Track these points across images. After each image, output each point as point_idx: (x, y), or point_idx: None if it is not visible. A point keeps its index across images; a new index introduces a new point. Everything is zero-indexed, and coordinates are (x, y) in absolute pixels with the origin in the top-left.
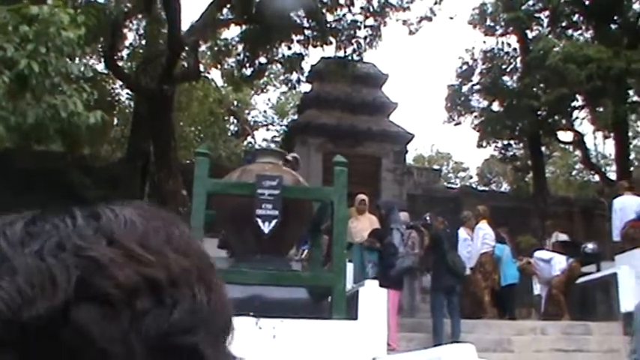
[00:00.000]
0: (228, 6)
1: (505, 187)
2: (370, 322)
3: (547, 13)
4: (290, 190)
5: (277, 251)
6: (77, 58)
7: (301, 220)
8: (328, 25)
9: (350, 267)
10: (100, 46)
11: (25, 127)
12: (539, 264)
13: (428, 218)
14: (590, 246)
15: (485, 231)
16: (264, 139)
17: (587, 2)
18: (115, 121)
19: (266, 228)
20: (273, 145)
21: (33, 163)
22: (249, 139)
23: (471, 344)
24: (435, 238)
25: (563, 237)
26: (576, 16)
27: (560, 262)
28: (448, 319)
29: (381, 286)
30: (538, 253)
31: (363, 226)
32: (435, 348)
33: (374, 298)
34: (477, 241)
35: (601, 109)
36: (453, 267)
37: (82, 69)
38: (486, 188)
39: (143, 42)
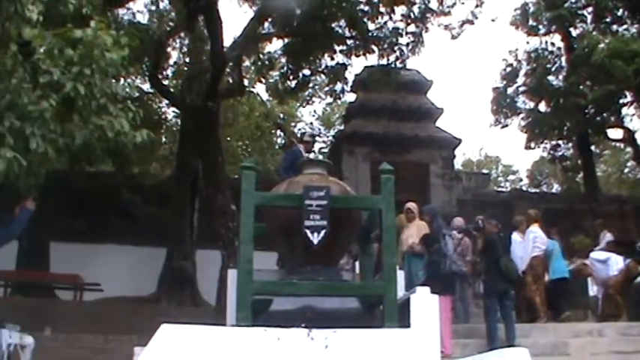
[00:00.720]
0: (270, 20)
1: (556, 188)
2: (423, 330)
3: (590, 9)
4: (337, 199)
5: (327, 261)
6: (122, 79)
7: (350, 230)
8: (370, 34)
9: (400, 275)
10: (144, 65)
11: (74, 148)
12: (595, 265)
13: (480, 222)
14: None
15: (536, 234)
16: (312, 151)
17: None
18: (163, 139)
19: (315, 239)
20: (320, 157)
21: (85, 184)
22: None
23: (525, 348)
24: (488, 242)
25: (610, 237)
26: (621, 11)
27: (617, 262)
28: (502, 323)
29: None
30: (594, 254)
31: (411, 233)
32: (487, 353)
33: (426, 305)
34: (528, 244)
35: None
36: (505, 271)
37: (127, 89)
38: (537, 190)
39: (187, 60)
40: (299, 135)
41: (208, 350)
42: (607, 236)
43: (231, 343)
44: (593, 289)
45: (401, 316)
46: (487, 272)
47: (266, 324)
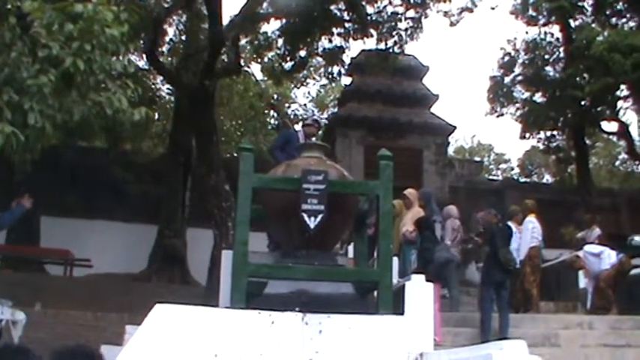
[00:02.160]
0: (268, 0)
1: (547, 178)
2: (417, 317)
3: (591, 1)
4: (335, 184)
5: (323, 246)
6: (121, 56)
7: (347, 215)
8: (369, 18)
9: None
10: (141, 42)
11: (71, 124)
12: (588, 258)
13: (479, 218)
14: (637, 238)
15: (534, 224)
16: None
17: None
18: (156, 116)
19: (312, 223)
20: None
21: (77, 160)
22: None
23: (521, 340)
24: (488, 233)
25: (598, 232)
26: (620, 4)
27: (610, 257)
28: (496, 313)
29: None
30: (588, 247)
31: (406, 220)
32: (485, 344)
33: (420, 292)
34: (526, 234)
35: None
36: (504, 262)
37: (126, 66)
38: (529, 180)
39: (183, 37)
40: (299, 119)
41: (202, 331)
42: (595, 232)
43: (225, 324)
44: (582, 282)
45: (395, 303)
46: (486, 262)
47: (260, 307)
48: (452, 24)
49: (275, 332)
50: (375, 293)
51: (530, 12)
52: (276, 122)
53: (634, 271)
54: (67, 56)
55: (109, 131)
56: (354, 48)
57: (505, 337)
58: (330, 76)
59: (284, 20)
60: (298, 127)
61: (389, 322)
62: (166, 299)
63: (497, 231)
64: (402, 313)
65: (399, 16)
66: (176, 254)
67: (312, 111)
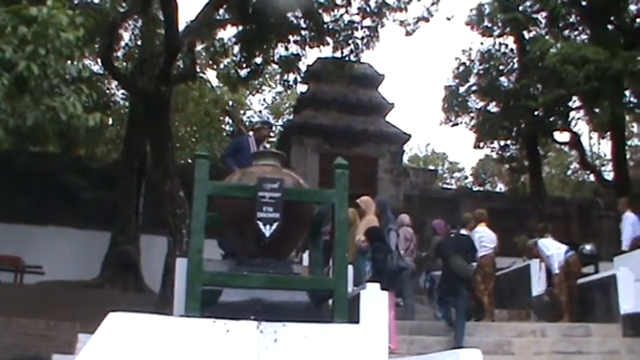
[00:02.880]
0: (225, 6)
1: (500, 187)
2: (372, 326)
3: (544, 14)
4: (291, 192)
5: (278, 254)
6: (75, 60)
7: (302, 223)
8: (325, 26)
9: (350, 270)
10: (96, 46)
11: (24, 129)
12: (542, 250)
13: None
14: (587, 247)
15: (481, 234)
16: (268, 138)
17: (584, 3)
18: (111, 121)
19: (267, 231)
20: (268, 146)
21: (29, 164)
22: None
23: (476, 348)
24: (437, 242)
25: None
26: (573, 17)
27: (560, 257)
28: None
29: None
30: (543, 240)
31: (360, 229)
32: (439, 353)
33: (375, 301)
34: (475, 244)
35: (597, 110)
36: (455, 270)
37: (81, 70)
38: (482, 189)
39: (139, 42)
40: (251, 125)
41: (156, 340)
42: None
43: (180, 333)
44: (535, 290)
45: (350, 312)
46: (442, 272)
47: (215, 315)
48: (408, 33)
49: (230, 341)
50: (331, 302)
51: (486, 23)
52: (231, 129)
53: (584, 279)
54: (20, 60)
55: (63, 136)
56: (310, 56)
57: (460, 345)
58: (285, 84)
59: (240, 27)
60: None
61: (344, 330)
62: (120, 307)
63: (447, 240)
64: (357, 322)
65: (356, 24)
66: (129, 261)
67: (268, 118)
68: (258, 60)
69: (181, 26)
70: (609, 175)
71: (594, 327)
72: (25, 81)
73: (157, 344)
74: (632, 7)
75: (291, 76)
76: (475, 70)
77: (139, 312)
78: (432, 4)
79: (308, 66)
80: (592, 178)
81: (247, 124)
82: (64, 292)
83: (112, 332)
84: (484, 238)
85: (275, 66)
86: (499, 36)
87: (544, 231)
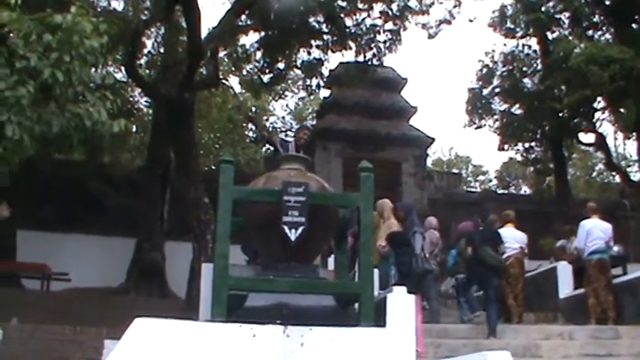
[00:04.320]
0: (247, 12)
1: (525, 190)
2: (398, 329)
3: (568, 14)
4: (316, 196)
5: (304, 258)
6: (99, 67)
7: (327, 227)
8: (347, 30)
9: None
10: (119, 54)
11: (50, 136)
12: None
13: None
14: (615, 248)
15: (504, 234)
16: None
17: (608, 3)
18: (135, 128)
19: (292, 235)
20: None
21: (55, 172)
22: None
23: (505, 351)
24: (469, 235)
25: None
26: (597, 16)
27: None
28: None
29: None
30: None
31: (381, 234)
32: (469, 355)
33: (401, 304)
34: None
35: (623, 110)
36: (486, 258)
37: (105, 77)
38: (506, 191)
39: (162, 50)
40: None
41: (183, 345)
42: (574, 242)
43: (206, 338)
44: (562, 293)
45: (377, 315)
46: (467, 262)
47: (241, 320)
48: (430, 36)
49: (256, 345)
50: (357, 305)
51: (508, 24)
52: (255, 135)
53: (613, 281)
54: (45, 67)
55: (88, 143)
56: (333, 60)
57: (493, 331)
58: (308, 89)
59: (262, 33)
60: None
61: (371, 334)
62: (145, 313)
63: (475, 233)
64: (383, 325)
65: (378, 28)
66: (155, 268)
67: (291, 123)
68: (281, 65)
69: (204, 33)
70: (635, 176)
71: (623, 329)
72: (49, 88)
73: (183, 349)
74: None
75: (314, 81)
76: (498, 72)
77: (164, 318)
78: (454, 6)
79: (330, 71)
80: (618, 179)
81: (270, 130)
82: (90, 299)
83: (139, 337)
84: (507, 238)
85: (297, 71)
86: (522, 37)
87: (570, 233)
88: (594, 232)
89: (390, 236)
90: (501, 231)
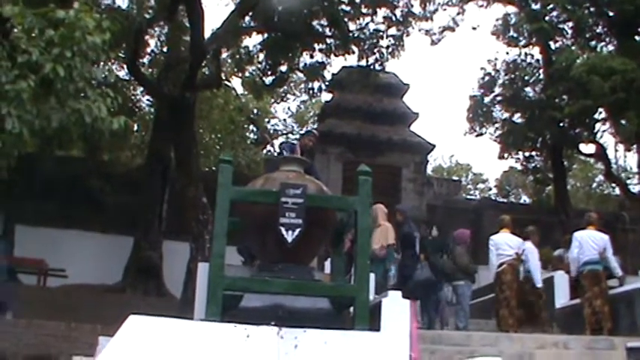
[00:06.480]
0: (250, 14)
1: (524, 199)
2: (393, 334)
3: (571, 24)
4: (314, 198)
5: (300, 260)
6: (101, 64)
7: (324, 229)
8: (351, 34)
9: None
10: (122, 52)
11: (49, 131)
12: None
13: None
14: (613, 260)
15: (496, 240)
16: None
17: (611, 14)
18: (135, 127)
19: (289, 237)
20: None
21: (54, 169)
22: (269, 147)
23: (498, 357)
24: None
25: None
26: (600, 27)
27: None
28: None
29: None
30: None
31: (375, 236)
32: None
33: (397, 309)
34: (491, 254)
35: (624, 122)
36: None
37: (106, 74)
38: (506, 200)
39: (165, 49)
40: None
41: (176, 344)
42: None
43: (201, 337)
44: (558, 303)
45: (372, 319)
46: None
47: (236, 320)
48: (433, 43)
49: (250, 346)
50: (352, 309)
51: (511, 33)
52: (255, 137)
53: (610, 292)
54: (46, 62)
55: (87, 140)
56: (335, 64)
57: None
58: (310, 92)
59: (266, 35)
60: (277, 142)
61: (365, 337)
62: (141, 311)
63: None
64: (378, 329)
65: (381, 33)
66: (152, 266)
67: (292, 126)
68: (283, 68)
69: (207, 33)
70: (635, 188)
71: (618, 340)
72: (50, 83)
73: (177, 348)
74: None
75: (316, 85)
76: (500, 81)
77: (159, 316)
78: (458, 13)
79: (333, 74)
80: (617, 190)
81: (271, 132)
82: (86, 296)
83: (132, 334)
84: (500, 244)
85: (300, 74)
86: (525, 46)
87: (568, 243)
88: (586, 243)
89: (402, 237)
90: (495, 237)
